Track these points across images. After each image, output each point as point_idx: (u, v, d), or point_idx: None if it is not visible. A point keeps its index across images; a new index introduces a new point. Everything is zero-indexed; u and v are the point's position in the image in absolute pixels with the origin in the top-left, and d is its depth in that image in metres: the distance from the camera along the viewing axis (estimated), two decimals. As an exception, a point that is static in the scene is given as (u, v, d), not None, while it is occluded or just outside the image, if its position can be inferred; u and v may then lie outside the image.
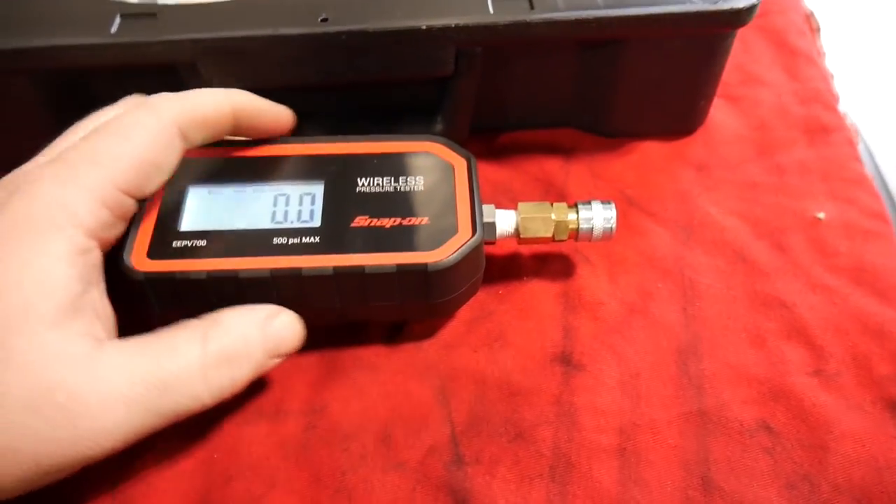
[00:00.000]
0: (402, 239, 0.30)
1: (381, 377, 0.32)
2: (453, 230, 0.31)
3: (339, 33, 0.33)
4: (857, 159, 0.41)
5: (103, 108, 0.32)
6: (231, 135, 0.32)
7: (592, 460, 0.29)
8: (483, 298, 0.35)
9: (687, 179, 0.40)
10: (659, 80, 0.38)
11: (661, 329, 0.34)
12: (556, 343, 0.33)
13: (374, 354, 0.33)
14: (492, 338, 0.34)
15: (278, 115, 0.33)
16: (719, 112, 0.42)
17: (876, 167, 0.46)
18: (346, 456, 0.30)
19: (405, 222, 0.31)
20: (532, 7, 0.34)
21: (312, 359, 0.33)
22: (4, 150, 0.31)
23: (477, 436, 0.30)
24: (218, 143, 0.32)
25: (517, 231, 0.33)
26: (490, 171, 0.40)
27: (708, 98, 0.40)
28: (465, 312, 0.34)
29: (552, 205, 0.33)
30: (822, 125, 0.42)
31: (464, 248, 0.30)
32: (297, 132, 0.36)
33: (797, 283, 0.35)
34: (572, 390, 0.32)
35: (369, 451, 0.30)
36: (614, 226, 0.33)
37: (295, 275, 0.29)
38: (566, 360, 0.33)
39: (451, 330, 0.34)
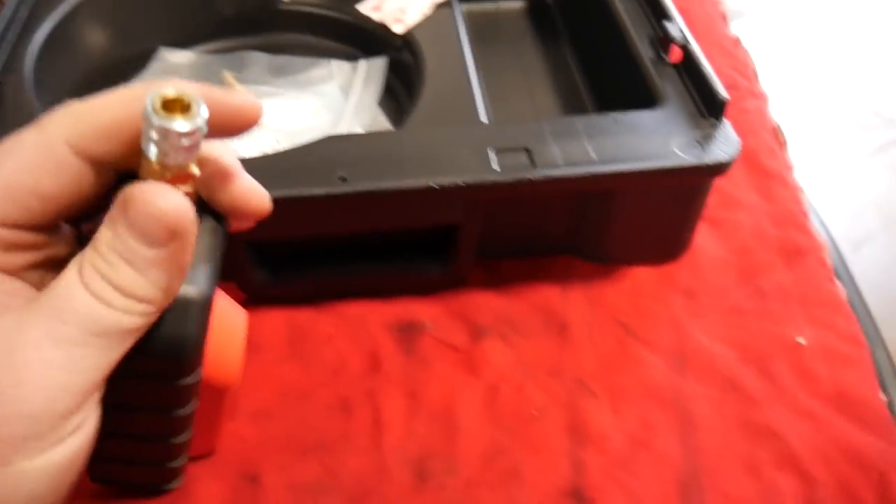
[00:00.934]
0: None
1: (404, 519, 0.34)
2: None
3: (356, 192, 0.36)
4: (832, 280, 0.44)
5: None
6: None
7: None
8: (496, 435, 0.37)
9: (677, 305, 0.43)
10: (647, 218, 0.41)
11: (664, 461, 0.36)
12: (566, 478, 0.35)
13: (399, 494, 0.35)
14: (507, 475, 0.36)
15: (238, 109, 0.25)
16: (702, 236, 0.45)
17: (848, 273, 0.49)
18: None
19: None
20: (533, 164, 0.37)
21: (340, 498, 0.34)
22: None
23: (499, 579, 0.32)
24: None
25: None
26: (491, 299, 0.43)
27: (692, 228, 0.43)
28: (479, 448, 0.36)
29: None
30: (796, 247, 0.45)
31: None
32: (313, 271, 0.38)
33: (785, 410, 0.38)
34: (585, 528, 0.34)
35: None
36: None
37: None
38: (578, 496, 0.35)
39: (471, 467, 0.36)
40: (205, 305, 0.24)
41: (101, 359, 0.22)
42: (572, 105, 0.51)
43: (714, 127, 0.38)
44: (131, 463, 0.29)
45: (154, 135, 0.21)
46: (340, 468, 0.36)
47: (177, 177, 0.22)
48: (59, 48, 0.47)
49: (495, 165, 0.37)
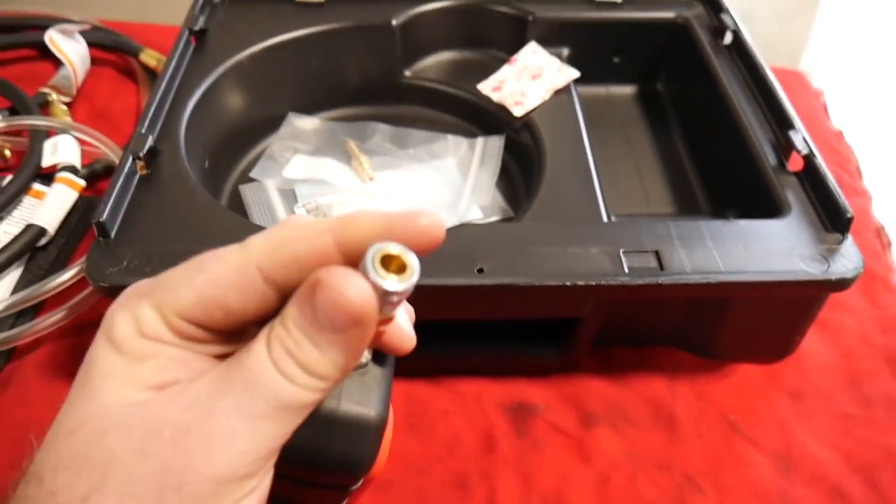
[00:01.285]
0: None
1: None
2: None
3: (493, 286, 0.38)
4: (937, 392, 0.45)
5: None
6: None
7: None
8: (607, 525, 0.38)
9: (783, 406, 0.44)
10: (761, 321, 0.43)
11: (771, 566, 0.37)
12: (675, 575, 0.37)
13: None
14: (617, 567, 0.37)
15: (424, 231, 0.25)
16: (808, 337, 0.46)
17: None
18: None
19: None
20: (662, 268, 0.39)
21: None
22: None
23: None
24: None
25: None
26: (602, 387, 0.44)
27: (803, 333, 0.44)
28: (590, 537, 0.38)
29: None
30: (902, 356, 0.46)
31: None
32: (432, 348, 0.40)
33: (892, 524, 0.39)
34: None
35: None
36: None
37: None
38: None
39: (580, 556, 0.37)
40: (381, 427, 0.26)
41: (280, 429, 0.23)
42: (684, 197, 0.53)
43: (839, 242, 0.40)
44: None
45: None
46: (459, 544, 0.38)
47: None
48: (204, 113, 0.51)
49: (626, 268, 0.39)
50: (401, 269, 0.23)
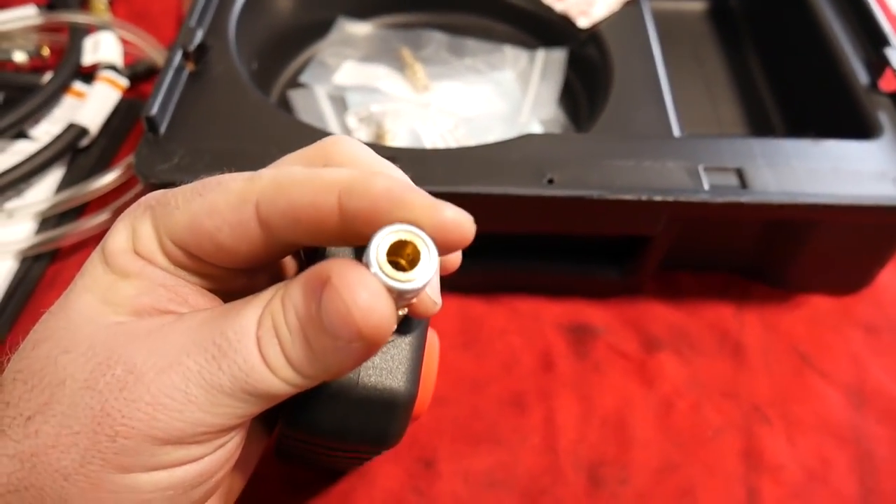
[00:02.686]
0: None
1: (579, 525, 0.35)
2: None
3: (564, 197, 0.36)
4: None
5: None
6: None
7: None
8: (670, 451, 0.37)
9: (857, 341, 0.42)
10: (841, 249, 0.40)
11: (841, 500, 0.36)
12: (741, 503, 0.36)
13: (573, 497, 0.35)
14: (681, 492, 0.36)
15: (424, 210, 0.20)
16: (885, 271, 0.44)
17: None
18: None
19: None
20: (744, 186, 0.36)
21: (513, 493, 0.35)
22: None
23: None
24: None
25: None
26: (666, 312, 0.42)
27: (882, 264, 0.42)
28: (653, 462, 0.37)
29: None
30: (984, 293, 0.44)
31: None
32: (496, 261, 0.38)
33: (969, 464, 0.37)
34: (761, 557, 0.34)
35: None
36: None
37: None
38: (751, 524, 0.35)
39: (644, 480, 0.36)
40: (410, 403, 0.23)
41: (242, 411, 0.21)
42: (758, 120, 0.50)
43: (936, 167, 0.37)
44: (318, 463, 0.30)
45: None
46: (514, 463, 0.37)
47: None
48: (253, 10, 0.48)
49: (706, 185, 0.36)
50: (413, 257, 0.19)
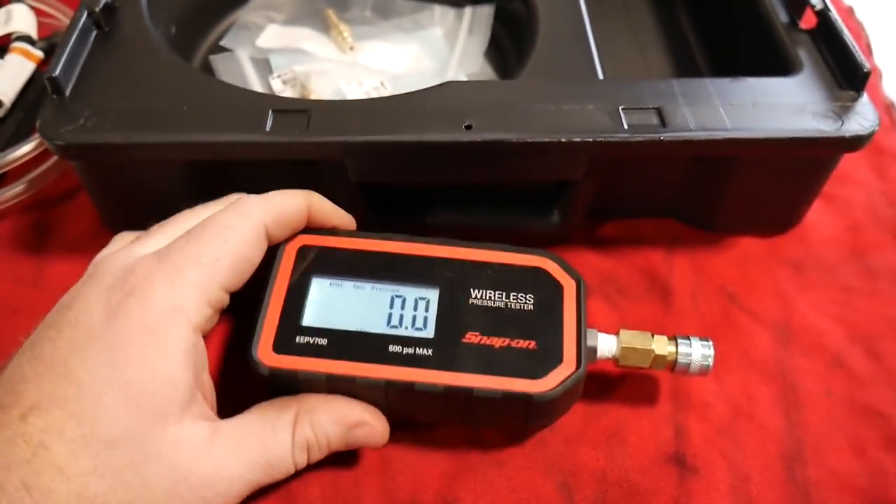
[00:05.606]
0: (510, 362, 0.32)
1: (507, 471, 0.34)
2: (558, 359, 0.32)
3: (482, 142, 0.35)
4: (945, 265, 0.43)
5: (205, 205, 0.34)
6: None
7: (716, 567, 0.32)
8: (597, 393, 0.37)
9: (784, 278, 0.42)
10: (767, 188, 0.40)
11: (767, 433, 0.36)
12: (669, 443, 0.36)
13: (499, 450, 0.35)
14: (608, 434, 0.36)
15: (342, 220, 0.36)
16: (813, 211, 0.44)
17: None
18: (482, 549, 0.32)
19: (513, 344, 0.32)
20: (664, 125, 0.36)
21: (442, 453, 0.35)
22: (136, 217, 0.35)
23: (603, 535, 0.33)
24: (335, 232, 0.35)
25: (616, 359, 0.34)
26: (595, 260, 0.42)
27: (809, 203, 0.42)
28: (581, 407, 0.36)
29: (653, 336, 0.34)
30: (910, 228, 0.44)
31: (568, 381, 0.31)
32: (422, 216, 0.38)
33: (892, 393, 0.38)
34: (688, 493, 0.34)
35: (504, 545, 0.32)
36: (711, 363, 0.34)
37: (407, 387, 0.31)
38: (680, 462, 0.35)
39: (570, 425, 0.36)
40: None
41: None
42: (685, 66, 0.49)
43: (853, 99, 0.37)
44: None
45: None
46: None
47: None
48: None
49: (625, 124, 0.36)
50: None
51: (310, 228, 0.35)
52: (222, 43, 0.50)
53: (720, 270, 0.42)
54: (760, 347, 0.39)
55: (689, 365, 0.34)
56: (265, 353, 0.32)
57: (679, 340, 0.34)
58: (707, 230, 0.43)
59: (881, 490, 0.34)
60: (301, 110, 0.36)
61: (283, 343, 0.32)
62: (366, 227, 0.40)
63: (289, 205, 0.33)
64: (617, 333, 0.34)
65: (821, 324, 0.40)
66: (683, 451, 0.35)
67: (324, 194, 0.35)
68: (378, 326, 0.33)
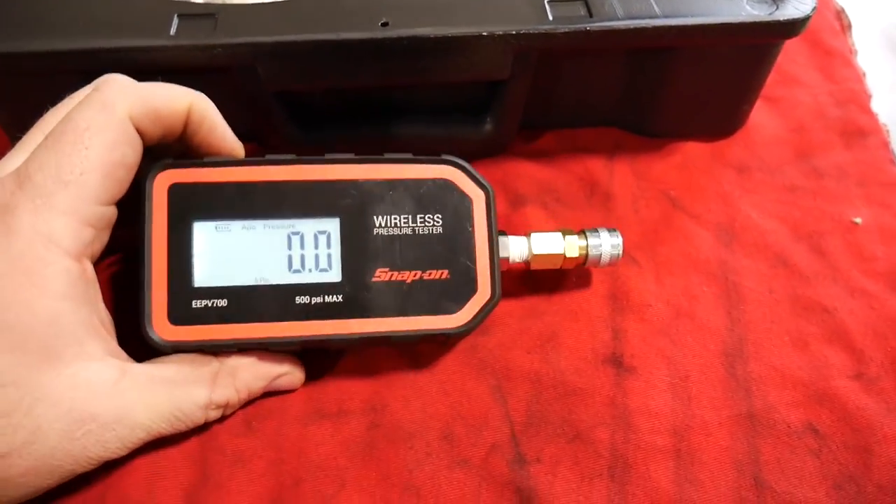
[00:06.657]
0: (424, 299, 0.31)
1: (438, 376, 0.33)
2: (473, 287, 0.31)
3: (399, 38, 0.34)
4: (893, 162, 0.42)
5: (72, 95, 0.30)
6: (178, 140, 0.30)
7: (649, 461, 0.31)
8: (533, 300, 0.36)
9: (728, 181, 0.41)
10: (706, 85, 0.39)
11: (707, 332, 0.35)
12: (606, 344, 0.35)
13: (430, 354, 0.34)
14: (544, 338, 0.35)
15: (230, 142, 0.31)
16: (758, 113, 0.43)
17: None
18: (411, 454, 0.31)
19: (426, 276, 0.31)
20: (590, 15, 0.34)
21: (369, 361, 0.34)
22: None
23: (536, 435, 0.32)
24: (206, 162, 0.31)
25: (528, 262, 0.34)
26: (534, 170, 0.41)
27: (752, 102, 0.41)
28: (516, 312, 0.35)
29: (563, 236, 0.34)
30: (858, 127, 0.43)
31: (484, 311, 0.31)
32: (350, 128, 0.36)
33: (836, 287, 0.37)
34: (625, 392, 0.33)
35: (434, 449, 0.31)
36: (621, 252, 0.34)
37: (322, 341, 0.30)
38: (617, 362, 0.34)
39: (504, 329, 0.35)
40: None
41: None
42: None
43: (788, -18, 0.35)
44: None
45: None
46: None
47: None
48: None
49: (549, 14, 0.34)
50: None
51: (178, 161, 0.30)
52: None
53: (662, 175, 0.41)
54: (702, 249, 0.38)
55: (599, 256, 0.34)
56: (161, 325, 0.29)
57: (587, 233, 0.34)
58: (649, 136, 0.42)
59: (823, 382, 0.33)
60: (208, 14, 0.34)
61: (179, 311, 0.29)
62: (285, 142, 0.39)
63: (159, 94, 0.28)
64: (528, 235, 0.34)
65: (765, 223, 0.39)
66: (621, 351, 0.34)
67: (240, 110, 0.33)
68: (279, 274, 0.30)
